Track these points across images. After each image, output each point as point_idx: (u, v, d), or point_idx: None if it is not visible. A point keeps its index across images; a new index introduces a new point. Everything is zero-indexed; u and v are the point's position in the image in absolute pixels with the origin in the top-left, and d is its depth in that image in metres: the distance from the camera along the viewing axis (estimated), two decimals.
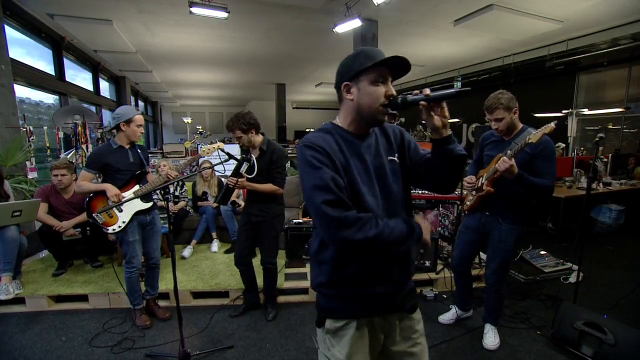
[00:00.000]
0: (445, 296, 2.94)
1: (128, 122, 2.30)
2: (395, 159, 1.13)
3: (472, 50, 7.61)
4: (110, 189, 2.27)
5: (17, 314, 2.71)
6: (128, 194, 2.34)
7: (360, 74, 1.01)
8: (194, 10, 4.56)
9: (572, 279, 3.15)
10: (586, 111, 5.72)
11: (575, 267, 3.05)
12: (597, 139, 2.50)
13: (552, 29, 5.91)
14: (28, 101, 6.67)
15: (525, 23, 5.57)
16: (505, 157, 1.90)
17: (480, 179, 2.18)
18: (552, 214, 4.59)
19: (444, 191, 1.16)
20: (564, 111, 5.38)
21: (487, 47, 7.34)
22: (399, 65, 1.02)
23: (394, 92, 1.02)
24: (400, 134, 1.18)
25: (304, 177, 1.00)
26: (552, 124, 1.80)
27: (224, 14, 4.73)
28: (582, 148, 5.14)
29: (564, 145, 5.03)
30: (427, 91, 0.96)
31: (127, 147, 2.38)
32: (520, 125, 2.10)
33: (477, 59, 8.49)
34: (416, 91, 0.98)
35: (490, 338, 2.29)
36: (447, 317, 2.58)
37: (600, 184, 4.61)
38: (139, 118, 2.34)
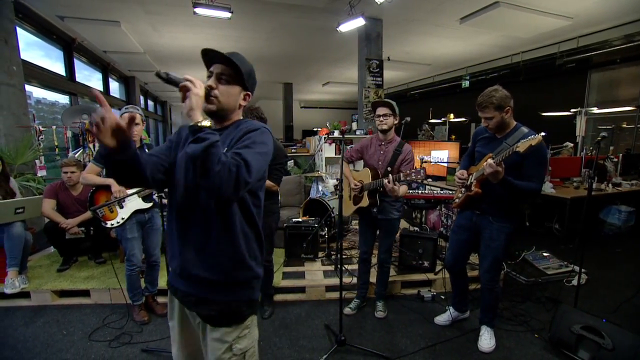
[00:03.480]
0: (443, 297, 2.91)
1: None
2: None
3: (480, 48, 7.51)
4: (116, 184, 2.34)
5: (22, 307, 2.79)
6: (131, 191, 2.40)
7: None
8: (198, 10, 4.62)
9: (576, 281, 3.08)
10: (595, 110, 5.57)
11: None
12: (600, 138, 2.44)
13: (562, 25, 5.79)
14: (44, 101, 6.86)
15: (533, 20, 5.47)
16: (491, 161, 1.86)
17: (470, 176, 2.16)
18: (558, 214, 4.49)
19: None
20: (572, 110, 5.25)
21: (494, 45, 7.23)
22: (213, 57, 1.11)
23: (211, 84, 1.10)
24: (244, 133, 1.09)
25: None
26: (540, 136, 1.74)
27: (227, 14, 4.78)
28: (591, 148, 5.01)
29: (572, 144, 4.91)
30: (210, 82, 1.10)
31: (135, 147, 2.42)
32: (514, 124, 2.06)
33: (485, 57, 8.37)
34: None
35: (486, 340, 2.26)
36: (443, 318, 2.56)
37: (610, 185, 4.48)
38: (126, 117, 2.28)
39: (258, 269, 1.18)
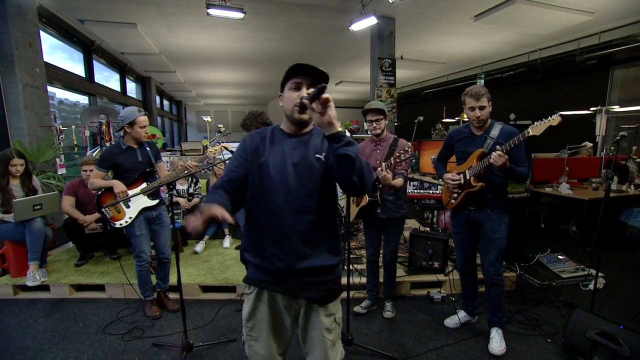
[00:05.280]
0: (453, 299, 2.87)
1: (131, 124, 2.40)
2: (322, 157, 1.21)
3: (495, 46, 7.34)
4: (118, 186, 2.39)
5: (42, 299, 2.91)
6: (135, 191, 2.45)
7: (284, 85, 1.22)
8: (211, 11, 4.69)
9: (592, 285, 2.97)
10: (617, 108, 5.35)
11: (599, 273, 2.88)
12: (619, 137, 2.37)
13: (582, 21, 5.60)
14: (66, 102, 7.13)
15: (551, 16, 5.31)
16: (500, 152, 1.93)
17: (463, 175, 2.19)
18: (575, 216, 4.35)
19: (347, 192, 1.24)
20: (592, 108, 5.06)
21: (510, 42, 7.05)
22: (310, 70, 1.15)
23: (305, 95, 1.09)
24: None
25: None
26: (558, 116, 1.76)
27: (240, 15, 4.84)
28: (612, 147, 4.82)
29: (590, 144, 4.74)
30: (304, 92, 1.13)
31: (135, 147, 2.49)
32: (489, 120, 2.17)
33: (501, 55, 8.18)
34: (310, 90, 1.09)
35: (497, 343, 2.22)
36: (453, 320, 2.52)
37: (632, 186, 4.31)
38: (142, 120, 2.41)
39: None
